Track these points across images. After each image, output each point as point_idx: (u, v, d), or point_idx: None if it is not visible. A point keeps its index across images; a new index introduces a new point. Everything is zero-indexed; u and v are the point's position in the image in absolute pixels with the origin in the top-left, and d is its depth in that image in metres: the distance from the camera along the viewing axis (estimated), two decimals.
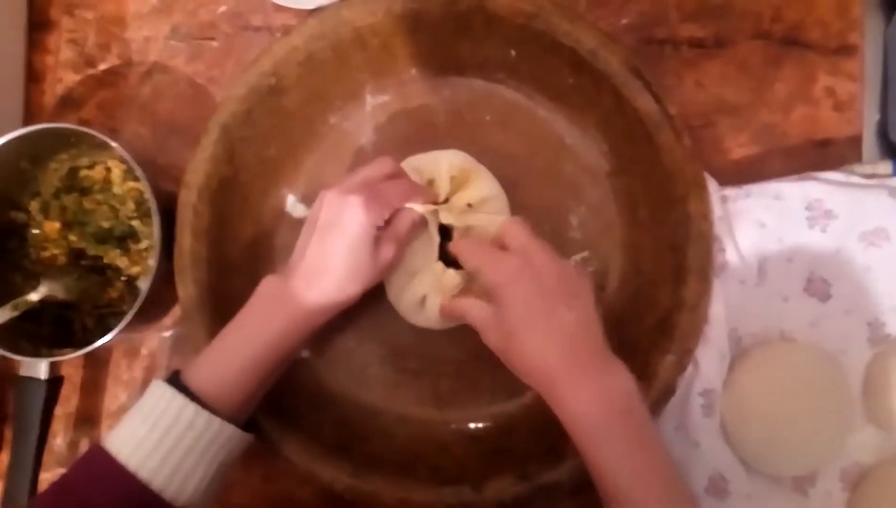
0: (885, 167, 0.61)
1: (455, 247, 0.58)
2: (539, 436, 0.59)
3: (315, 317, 0.55)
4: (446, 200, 0.61)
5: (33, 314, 0.64)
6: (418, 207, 0.58)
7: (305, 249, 0.56)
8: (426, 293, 0.60)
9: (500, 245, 0.55)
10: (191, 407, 0.50)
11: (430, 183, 0.62)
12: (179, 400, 0.50)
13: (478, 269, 0.54)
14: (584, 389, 0.48)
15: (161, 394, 0.51)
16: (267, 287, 0.56)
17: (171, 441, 0.49)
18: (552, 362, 0.49)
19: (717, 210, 0.60)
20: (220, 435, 0.51)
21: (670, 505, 0.47)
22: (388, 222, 0.57)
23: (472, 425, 0.62)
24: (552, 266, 0.52)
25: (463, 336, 0.62)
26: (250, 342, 0.54)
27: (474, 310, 0.54)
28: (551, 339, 0.49)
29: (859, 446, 0.60)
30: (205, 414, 0.50)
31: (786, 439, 0.58)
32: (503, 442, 0.61)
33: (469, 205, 0.61)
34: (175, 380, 0.52)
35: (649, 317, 0.59)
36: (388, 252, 0.57)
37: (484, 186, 0.61)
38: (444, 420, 0.63)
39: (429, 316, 0.61)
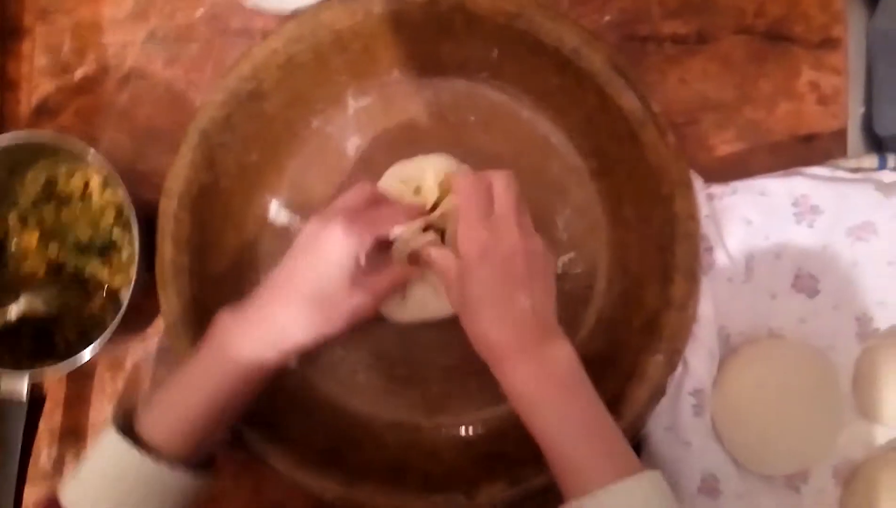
0: (870, 161, 0.61)
1: (455, 192, 0.57)
2: (530, 440, 0.58)
3: (262, 368, 0.53)
4: (435, 207, 0.60)
5: (13, 329, 0.63)
6: (398, 230, 0.57)
7: (272, 281, 0.54)
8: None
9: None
10: (142, 460, 0.49)
11: (417, 190, 0.61)
12: (129, 452, 0.49)
13: (455, 227, 0.54)
14: (525, 366, 0.49)
15: (112, 446, 0.50)
16: (218, 327, 0.54)
17: (124, 493, 0.49)
18: (501, 341, 0.50)
19: (703, 208, 0.59)
20: (173, 484, 0.50)
21: (611, 462, 0.47)
22: (371, 265, 0.55)
23: (462, 430, 0.62)
24: (520, 248, 0.52)
25: (451, 340, 0.62)
26: (197, 391, 0.52)
27: (442, 261, 0.55)
28: (504, 322, 0.50)
29: (851, 441, 0.60)
30: (153, 466, 0.49)
31: (777, 437, 0.58)
32: (494, 447, 0.60)
33: None
34: (127, 426, 0.51)
35: (637, 318, 0.59)
36: (362, 298, 0.54)
37: None
38: (435, 425, 0.62)
39: (411, 308, 0.60)
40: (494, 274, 0.51)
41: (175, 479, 0.50)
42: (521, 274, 0.51)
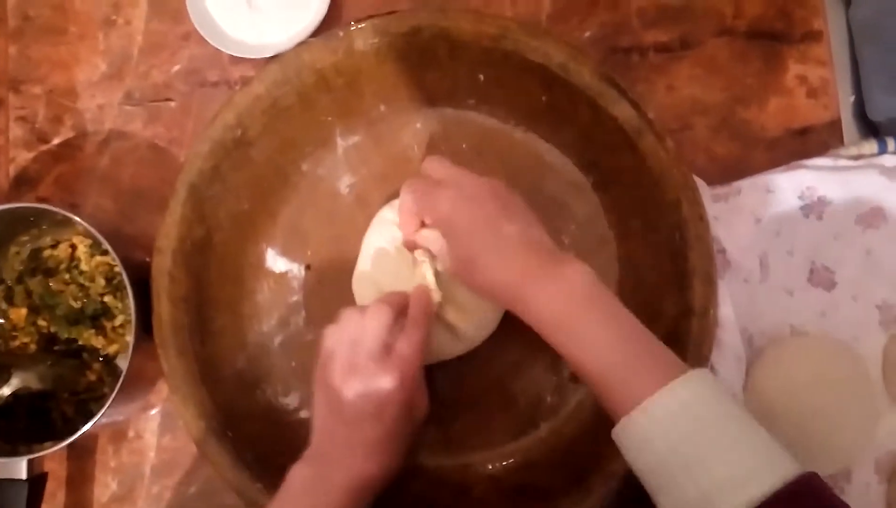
0: (870, 146, 0.60)
1: (401, 205, 0.56)
2: (561, 467, 0.57)
3: (363, 499, 0.51)
4: None
5: (7, 408, 0.60)
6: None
7: (332, 439, 0.52)
8: None
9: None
10: None
11: None
12: None
13: (421, 213, 0.54)
14: (545, 288, 0.48)
15: None
16: (298, 476, 0.50)
17: None
18: (509, 273, 0.49)
19: (709, 210, 0.58)
20: None
21: (654, 368, 0.44)
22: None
23: (490, 466, 0.59)
24: (482, 186, 0.52)
25: (468, 376, 0.60)
26: None
27: (433, 242, 0.54)
28: (502, 256, 0.49)
29: (890, 433, 0.58)
30: None
31: (814, 435, 0.56)
32: (525, 479, 0.58)
33: None
34: None
35: (658, 328, 0.56)
36: (423, 401, 0.54)
37: None
38: (461, 464, 0.59)
39: (429, 351, 0.58)
40: (471, 216, 0.50)
41: None
42: (494, 206, 0.51)
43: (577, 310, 0.47)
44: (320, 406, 0.52)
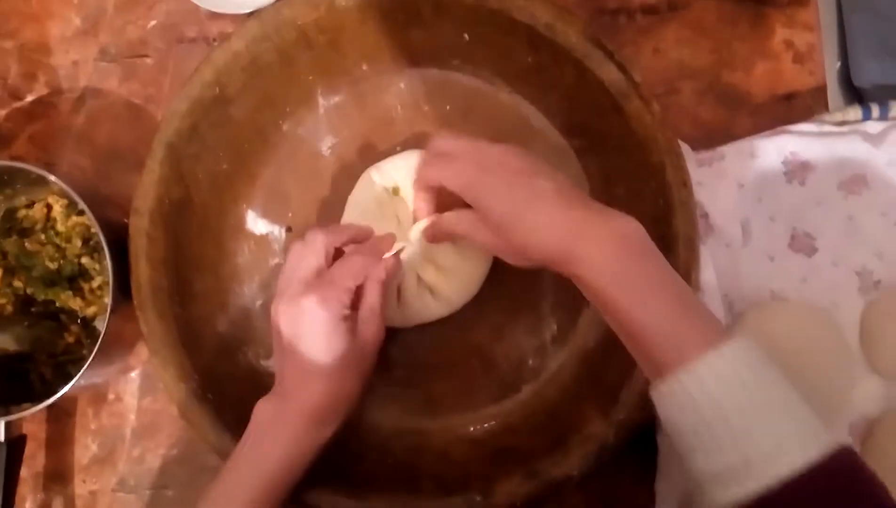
0: (854, 113, 0.60)
1: (417, 182, 0.55)
2: (541, 430, 0.57)
3: (321, 427, 0.52)
4: None
5: None
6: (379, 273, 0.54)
7: (282, 373, 0.52)
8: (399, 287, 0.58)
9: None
10: None
11: (396, 190, 0.59)
12: None
13: (440, 183, 0.51)
14: (596, 239, 0.45)
15: None
16: (261, 411, 0.52)
17: None
18: (555, 230, 0.47)
19: (693, 175, 0.58)
20: None
21: (703, 330, 0.43)
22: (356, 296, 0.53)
23: (471, 428, 0.59)
24: (503, 150, 0.50)
25: (449, 338, 0.60)
26: (259, 470, 0.50)
27: (457, 222, 0.52)
28: (543, 210, 0.47)
29: (864, 398, 0.59)
30: None
31: None
32: (506, 442, 0.58)
33: None
34: None
35: None
36: (368, 330, 0.54)
37: None
38: (442, 427, 0.60)
39: (409, 313, 0.58)
40: (500, 177, 0.48)
41: None
42: (521, 166, 0.49)
43: (630, 261, 0.45)
44: (273, 341, 0.54)
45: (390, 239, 0.56)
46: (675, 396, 0.43)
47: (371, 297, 0.54)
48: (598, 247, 0.45)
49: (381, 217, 0.58)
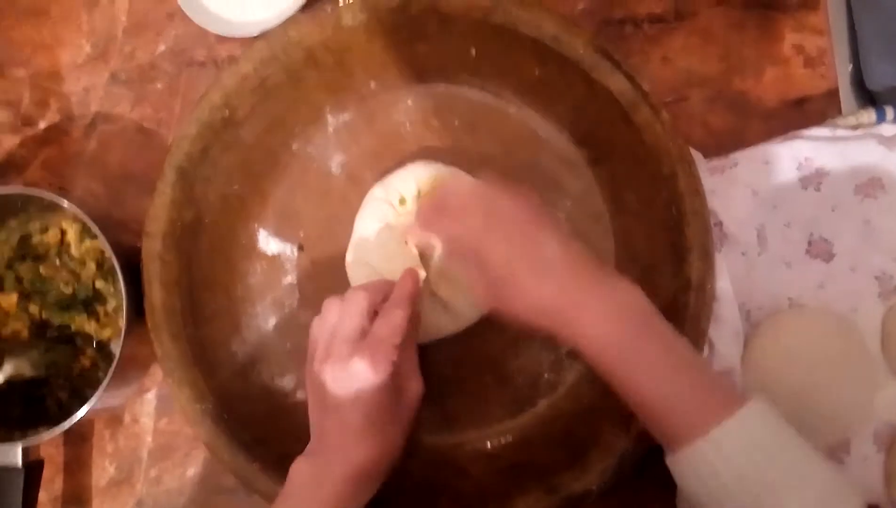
0: (868, 116, 0.59)
1: (414, 233, 0.54)
2: (559, 444, 0.57)
3: (364, 488, 0.50)
4: None
5: (1, 396, 0.59)
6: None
7: (324, 432, 0.51)
8: None
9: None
10: None
11: (402, 201, 0.59)
12: None
13: (448, 245, 0.51)
14: (597, 311, 0.45)
15: None
16: (299, 471, 0.50)
17: None
18: (554, 294, 0.46)
19: (706, 183, 0.57)
20: None
21: (715, 396, 0.43)
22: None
23: (488, 443, 0.59)
24: (513, 203, 0.49)
25: (463, 354, 0.60)
26: None
27: (464, 274, 0.51)
28: (544, 273, 0.46)
29: (887, 405, 0.58)
30: None
31: (812, 409, 0.56)
32: (523, 456, 0.57)
33: None
34: None
35: (655, 303, 0.56)
36: (411, 386, 0.53)
37: None
38: (458, 443, 0.59)
39: (425, 330, 0.58)
40: (504, 237, 0.48)
41: None
42: (528, 221, 0.48)
43: (632, 334, 0.44)
44: (310, 398, 0.52)
45: (414, 277, 0.54)
46: (694, 465, 0.42)
47: (410, 351, 0.53)
48: (592, 313, 0.45)
49: (389, 236, 0.57)
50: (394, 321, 0.50)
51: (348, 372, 0.49)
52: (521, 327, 0.48)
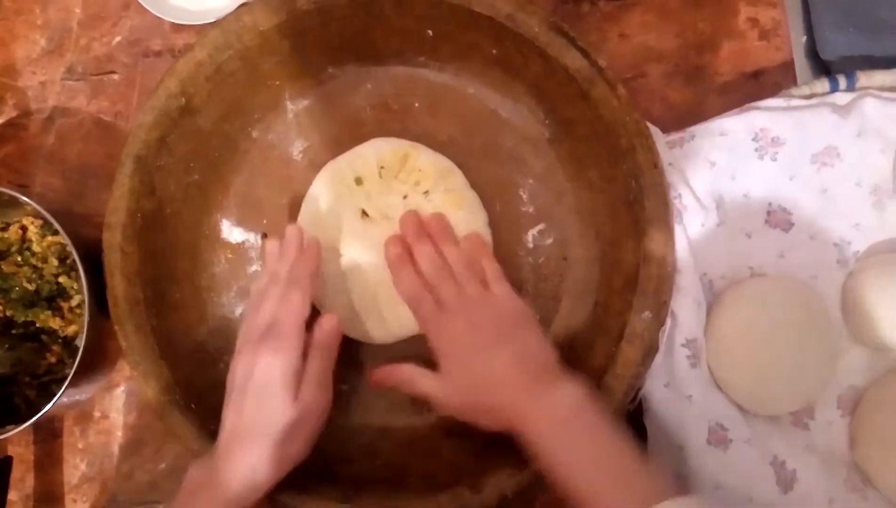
0: (822, 85, 0.60)
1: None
2: None
3: (248, 496, 0.49)
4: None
5: None
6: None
7: (225, 420, 0.51)
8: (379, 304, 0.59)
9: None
10: None
11: (359, 181, 0.59)
12: None
13: (428, 337, 0.55)
14: (535, 409, 0.49)
15: None
16: (190, 477, 0.50)
17: None
18: (502, 398, 0.51)
19: (665, 157, 0.58)
20: None
21: (635, 482, 0.46)
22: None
23: (458, 423, 0.59)
24: (488, 314, 0.54)
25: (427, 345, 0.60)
26: None
27: (422, 382, 0.54)
28: (496, 379, 0.52)
29: (850, 369, 0.59)
30: None
31: (776, 376, 0.57)
32: (494, 435, 0.58)
33: (426, 193, 0.59)
34: None
35: (617, 277, 0.57)
36: (307, 394, 0.51)
37: (426, 161, 0.60)
38: (428, 423, 0.59)
39: (393, 329, 0.60)
40: (470, 352, 0.53)
41: None
42: (492, 336, 0.53)
43: (561, 429, 0.48)
44: (225, 411, 0.52)
45: (313, 246, 0.56)
46: None
47: (312, 367, 0.52)
48: (533, 412, 0.49)
49: (340, 212, 0.58)
50: (291, 307, 0.52)
51: (254, 357, 0.51)
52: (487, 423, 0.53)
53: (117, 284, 0.56)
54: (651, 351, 0.54)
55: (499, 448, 0.57)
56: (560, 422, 0.48)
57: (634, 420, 0.56)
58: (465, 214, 0.60)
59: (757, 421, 0.58)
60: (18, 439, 0.63)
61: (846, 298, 0.60)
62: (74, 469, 0.64)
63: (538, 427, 0.49)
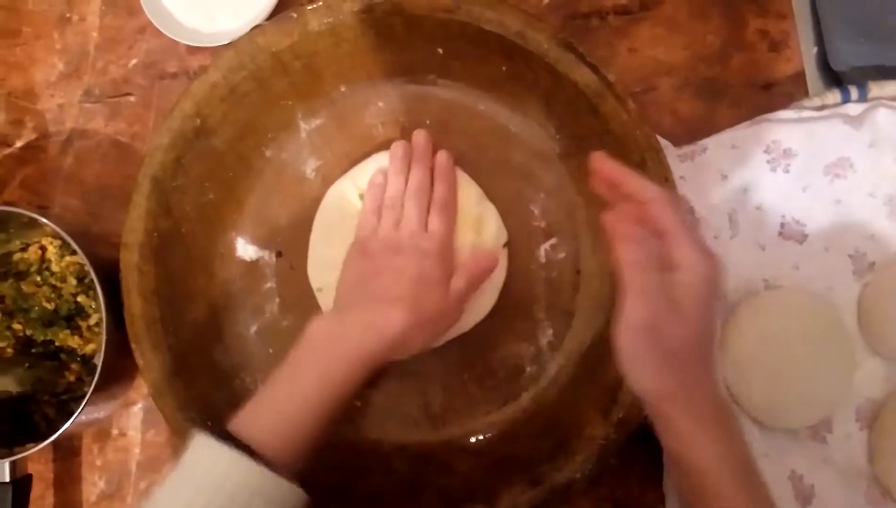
0: (833, 96, 0.60)
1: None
2: (542, 435, 0.57)
3: (371, 359, 0.51)
4: None
5: None
6: None
7: (352, 304, 0.54)
8: None
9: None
10: (243, 462, 0.43)
11: (363, 196, 0.60)
12: (236, 460, 0.43)
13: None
14: (700, 394, 0.45)
15: (211, 454, 0.44)
16: (318, 329, 0.51)
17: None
18: (696, 362, 0.45)
19: (676, 170, 0.58)
20: (275, 494, 0.44)
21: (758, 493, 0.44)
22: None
23: (472, 439, 0.59)
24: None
25: (445, 350, 0.60)
26: (310, 387, 0.49)
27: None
28: (705, 342, 0.46)
29: (867, 381, 0.58)
30: (258, 470, 0.43)
31: (792, 389, 0.56)
32: (507, 450, 0.58)
33: None
34: (221, 432, 0.46)
35: None
36: (459, 283, 0.55)
37: None
38: (443, 440, 0.59)
39: None
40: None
41: (286, 492, 0.44)
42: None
43: (717, 418, 0.45)
44: (348, 271, 0.56)
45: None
46: None
47: (475, 265, 0.57)
48: (704, 399, 0.45)
49: (351, 227, 0.58)
50: (447, 219, 0.57)
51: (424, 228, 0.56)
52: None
53: (134, 303, 0.57)
54: None
55: (511, 461, 0.57)
56: (719, 410, 0.45)
57: (649, 434, 0.56)
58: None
59: (774, 435, 0.57)
60: (38, 457, 0.63)
61: (862, 309, 0.59)
62: (93, 486, 0.65)
63: (699, 410, 0.44)
